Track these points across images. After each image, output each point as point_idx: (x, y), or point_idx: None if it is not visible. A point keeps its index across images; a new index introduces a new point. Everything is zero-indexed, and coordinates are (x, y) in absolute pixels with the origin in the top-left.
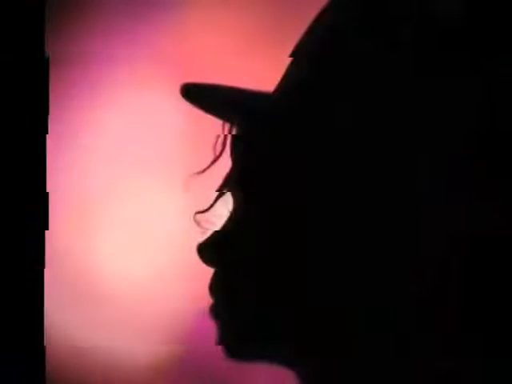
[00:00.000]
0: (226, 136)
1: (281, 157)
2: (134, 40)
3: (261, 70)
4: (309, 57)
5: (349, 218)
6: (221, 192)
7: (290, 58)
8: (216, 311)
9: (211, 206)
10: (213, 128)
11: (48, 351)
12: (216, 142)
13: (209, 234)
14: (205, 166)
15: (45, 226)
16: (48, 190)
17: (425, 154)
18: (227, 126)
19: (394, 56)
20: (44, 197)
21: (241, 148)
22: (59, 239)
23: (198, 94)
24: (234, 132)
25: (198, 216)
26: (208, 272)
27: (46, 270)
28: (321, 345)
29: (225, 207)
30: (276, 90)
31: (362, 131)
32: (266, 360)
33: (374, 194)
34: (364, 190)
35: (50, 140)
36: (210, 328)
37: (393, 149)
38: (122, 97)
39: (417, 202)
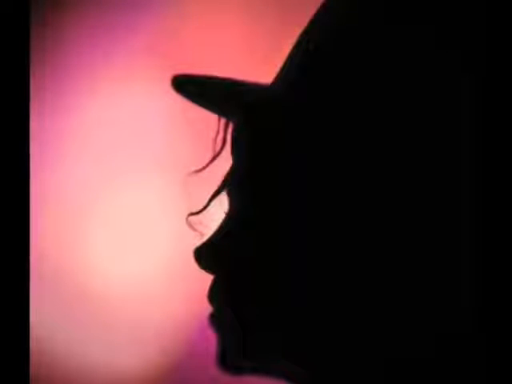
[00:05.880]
0: (226, 132)
1: (283, 153)
2: (131, 34)
3: (260, 64)
4: (311, 47)
5: (355, 219)
6: (215, 192)
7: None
8: (215, 320)
9: (205, 207)
10: (213, 124)
11: (33, 361)
12: (215, 139)
13: (206, 237)
14: (204, 164)
15: (26, 225)
16: (34, 186)
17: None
18: (222, 120)
19: (394, 53)
20: (27, 195)
21: (242, 145)
22: (47, 239)
23: (189, 87)
24: (231, 127)
25: (191, 218)
26: (206, 274)
27: (31, 272)
28: (322, 356)
29: (220, 208)
30: (275, 82)
31: (364, 126)
32: (265, 373)
33: (379, 193)
34: (369, 188)
35: (38, 136)
36: (210, 334)
37: (393, 148)
38: (117, 92)
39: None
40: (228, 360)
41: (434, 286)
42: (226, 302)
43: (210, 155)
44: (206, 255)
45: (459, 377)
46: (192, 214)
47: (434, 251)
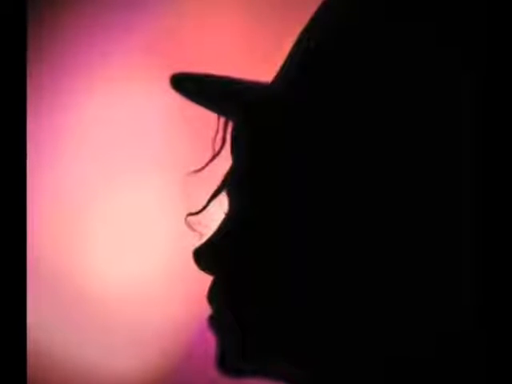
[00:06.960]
0: (225, 131)
1: (283, 153)
2: (128, 33)
3: (260, 63)
4: (311, 45)
5: (355, 218)
6: (215, 192)
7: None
8: (215, 322)
9: (204, 207)
10: (212, 123)
11: (30, 363)
12: (215, 138)
13: (205, 238)
14: (203, 164)
15: (24, 225)
16: (31, 186)
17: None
18: (222, 119)
19: (394, 51)
20: (24, 195)
21: (242, 144)
22: (44, 240)
23: (188, 84)
24: (231, 126)
25: (191, 218)
26: (205, 275)
27: (28, 273)
28: (322, 356)
29: (219, 209)
30: (275, 81)
31: (364, 124)
32: (264, 375)
33: (380, 192)
34: (369, 187)
35: (35, 135)
36: (209, 336)
37: (393, 146)
38: (114, 91)
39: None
40: (227, 362)
41: (435, 284)
42: (225, 302)
43: (209, 154)
44: (205, 256)
45: (459, 375)
46: (191, 214)
47: (435, 250)
